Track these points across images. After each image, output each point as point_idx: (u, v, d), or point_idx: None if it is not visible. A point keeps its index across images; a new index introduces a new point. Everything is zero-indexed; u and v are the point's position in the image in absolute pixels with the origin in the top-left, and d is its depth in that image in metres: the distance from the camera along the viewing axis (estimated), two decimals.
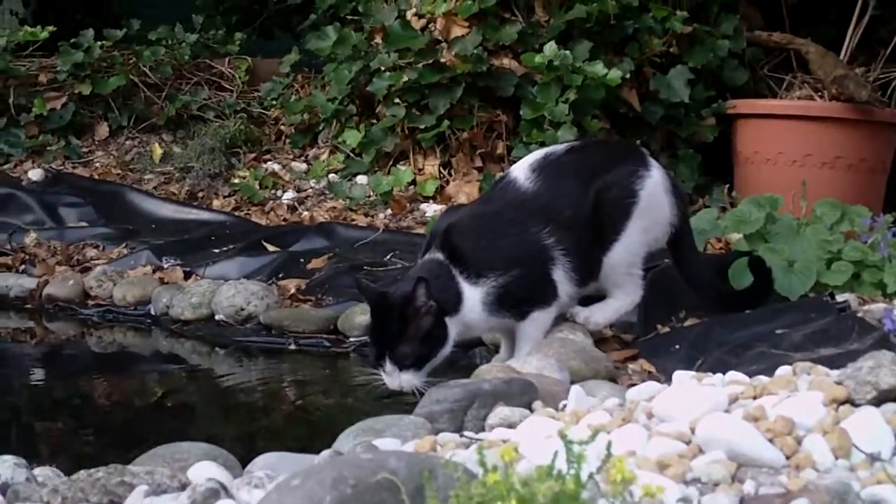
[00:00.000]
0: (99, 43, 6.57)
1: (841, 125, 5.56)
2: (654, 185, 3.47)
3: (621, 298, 3.52)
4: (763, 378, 2.34)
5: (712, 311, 3.75)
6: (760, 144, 5.69)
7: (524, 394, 2.61)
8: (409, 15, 5.88)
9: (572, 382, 2.92)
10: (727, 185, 5.62)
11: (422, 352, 3.11)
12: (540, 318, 3.35)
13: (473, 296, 3.21)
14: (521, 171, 3.41)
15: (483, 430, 2.45)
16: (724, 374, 2.57)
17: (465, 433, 2.34)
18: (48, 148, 6.34)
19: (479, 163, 5.67)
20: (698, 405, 2.08)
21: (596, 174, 3.42)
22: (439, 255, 3.24)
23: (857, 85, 5.48)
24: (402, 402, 3.07)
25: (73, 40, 6.58)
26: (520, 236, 3.29)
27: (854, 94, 5.45)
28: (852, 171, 5.53)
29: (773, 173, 5.57)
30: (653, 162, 3.55)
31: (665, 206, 3.51)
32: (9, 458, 2.15)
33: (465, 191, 5.54)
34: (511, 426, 2.38)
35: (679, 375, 2.60)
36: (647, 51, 5.80)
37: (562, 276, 3.33)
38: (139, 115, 6.57)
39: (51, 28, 6.63)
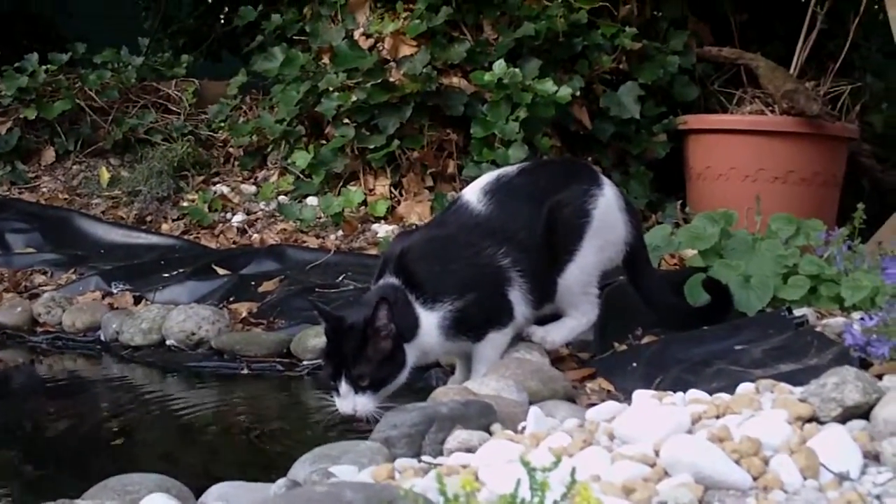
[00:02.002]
0: (44, 67, 6.47)
1: (792, 139, 5.56)
2: (607, 203, 3.45)
3: (577, 318, 3.50)
4: (725, 396, 2.31)
5: (669, 329, 3.72)
6: (712, 160, 5.68)
7: (482, 416, 2.56)
8: (356, 35, 5.84)
9: (531, 403, 2.89)
10: (680, 202, 5.62)
11: (379, 374, 3.04)
12: (496, 340, 3.31)
13: (430, 321, 3.16)
14: (473, 193, 3.38)
15: (441, 454, 2.40)
16: (684, 392, 2.55)
17: (424, 458, 2.29)
18: None
19: (430, 182, 5.63)
20: (661, 426, 2.05)
21: (548, 195, 3.39)
22: (394, 280, 3.19)
23: (808, 99, 5.48)
24: (357, 430, 3.02)
25: (17, 64, 6.49)
26: (474, 259, 3.25)
27: (805, 108, 5.45)
28: (805, 184, 5.53)
29: (726, 188, 5.56)
30: (605, 180, 3.53)
31: (619, 224, 3.50)
32: None
33: (416, 210, 5.50)
34: (470, 450, 2.33)
35: (639, 395, 2.58)
36: (597, 68, 5.79)
37: (518, 298, 3.30)
38: (86, 140, 6.48)
39: None
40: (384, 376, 3.05)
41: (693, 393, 2.49)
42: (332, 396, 3.06)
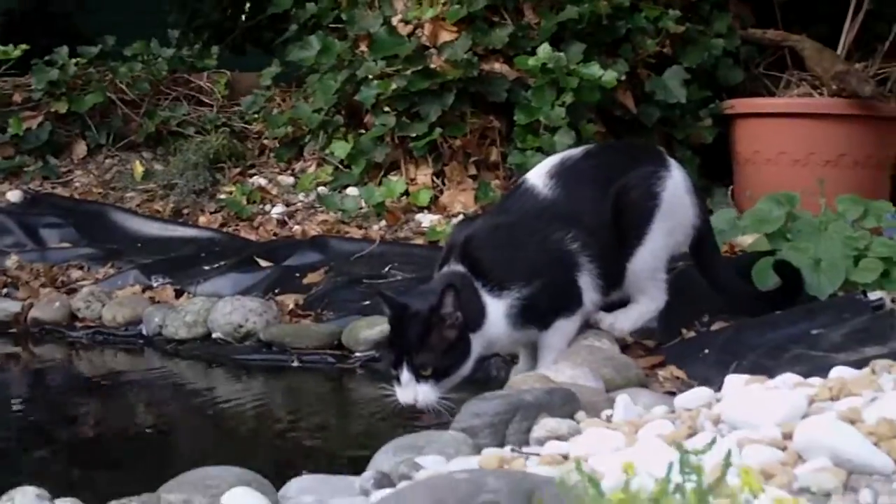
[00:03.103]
0: (74, 60, 6.38)
1: (844, 122, 5.40)
2: (676, 185, 3.34)
3: (645, 304, 3.38)
4: (837, 378, 2.16)
5: (738, 314, 3.60)
6: (761, 144, 5.53)
7: (566, 404, 2.44)
8: (394, 21, 5.70)
9: (606, 391, 2.78)
10: (730, 187, 5.48)
11: (442, 364, 2.92)
12: (564, 327, 3.19)
13: (497, 309, 3.05)
14: (538, 177, 3.27)
15: (527, 443, 2.28)
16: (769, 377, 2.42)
17: (522, 448, 2.16)
18: (25, 168, 6.13)
19: (473, 171, 5.48)
20: (776, 409, 1.91)
21: (615, 177, 3.28)
22: (460, 268, 3.07)
23: (860, 80, 5.33)
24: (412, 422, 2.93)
25: (46, 58, 6.39)
26: (542, 244, 3.14)
27: (857, 90, 5.29)
28: (858, 168, 5.37)
29: (775, 173, 5.40)
30: (672, 162, 3.42)
31: (687, 207, 3.39)
32: (29, 490, 1.96)
33: (460, 200, 5.36)
34: (559, 439, 2.21)
35: (732, 379, 2.44)
36: (641, 52, 5.63)
37: (587, 283, 3.18)
38: (117, 133, 6.37)
39: (24, 46, 6.43)
40: (448, 366, 2.93)
41: (789, 377, 2.36)
42: (391, 386, 2.94)
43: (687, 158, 5.59)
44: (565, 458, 2.00)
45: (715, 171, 5.78)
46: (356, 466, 2.20)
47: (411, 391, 2.89)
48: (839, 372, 2.34)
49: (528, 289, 3.06)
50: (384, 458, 2.16)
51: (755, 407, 1.96)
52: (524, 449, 2.18)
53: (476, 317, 3.00)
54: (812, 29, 6.09)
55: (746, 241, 4.35)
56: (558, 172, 3.25)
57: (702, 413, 2.13)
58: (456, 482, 1.51)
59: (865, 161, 5.42)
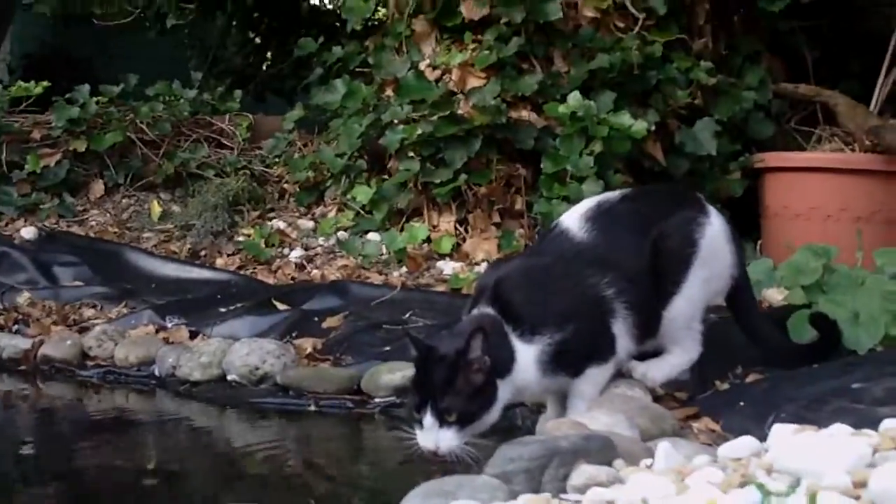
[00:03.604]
0: (95, 99, 6.31)
1: (878, 178, 5.28)
2: (715, 233, 3.23)
3: (679, 355, 3.26)
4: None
5: (774, 367, 3.47)
6: (791, 199, 5.41)
7: (604, 451, 2.30)
8: (422, 66, 5.62)
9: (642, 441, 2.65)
10: (759, 241, 5.36)
11: (468, 409, 2.77)
12: (596, 376, 3.06)
13: (527, 355, 2.91)
14: (573, 220, 3.15)
15: (564, 490, 2.14)
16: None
17: (563, 496, 2.03)
18: (41, 206, 6.03)
19: (497, 219, 5.37)
20: (841, 457, 1.78)
21: (653, 222, 3.17)
22: (489, 311, 2.94)
23: (895, 135, 5.22)
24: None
25: (67, 96, 6.32)
26: (576, 289, 3.02)
27: (892, 145, 5.18)
28: (891, 225, 5.24)
29: (805, 228, 5.27)
30: (711, 209, 3.31)
31: (726, 255, 3.28)
32: None
33: (483, 248, 5.24)
34: (600, 485, 2.07)
35: (780, 429, 2.31)
36: (671, 102, 5.54)
37: (622, 331, 3.05)
38: (136, 173, 6.29)
39: (45, 84, 6.37)
40: (473, 412, 2.78)
41: (840, 427, 2.23)
42: (412, 430, 2.80)
43: None
44: None
45: (743, 225, 5.63)
46: None
47: (433, 436, 2.74)
48: (890, 423, 2.21)
49: (561, 334, 2.92)
50: (413, 502, 2.03)
51: (815, 455, 1.83)
52: (563, 496, 2.05)
53: (505, 362, 2.86)
54: (843, 85, 6.02)
55: (777, 296, 4.24)
56: (595, 216, 3.14)
57: (752, 462, 2.00)
58: None
59: None
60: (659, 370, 3.23)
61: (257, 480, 3.13)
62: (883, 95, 5.68)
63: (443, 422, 2.74)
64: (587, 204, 3.21)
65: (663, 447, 2.30)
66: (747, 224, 5.63)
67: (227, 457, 3.37)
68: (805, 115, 5.96)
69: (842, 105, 5.62)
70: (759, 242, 5.35)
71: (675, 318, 3.16)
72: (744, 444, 2.27)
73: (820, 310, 3.61)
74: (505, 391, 2.86)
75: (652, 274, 3.11)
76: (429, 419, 2.73)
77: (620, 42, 5.48)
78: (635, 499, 1.84)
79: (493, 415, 2.85)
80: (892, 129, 5.28)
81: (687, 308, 3.16)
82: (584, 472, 2.13)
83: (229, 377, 3.98)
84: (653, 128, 5.27)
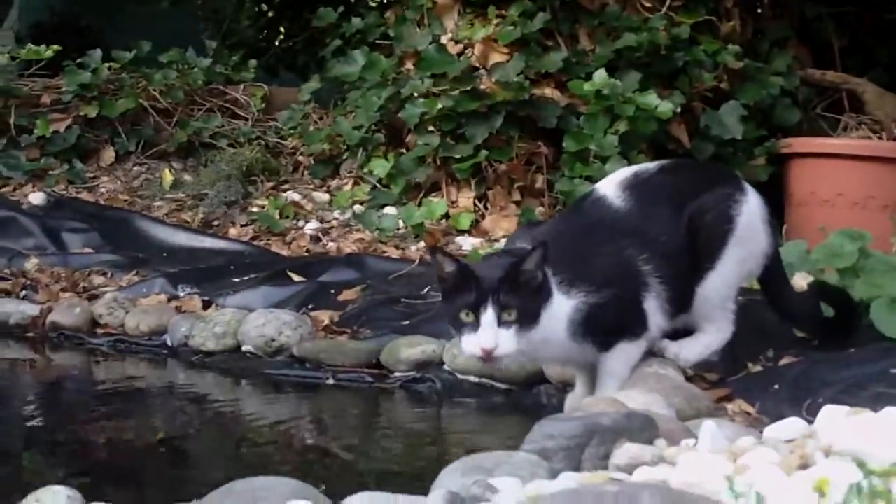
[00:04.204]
0: (107, 64, 6.20)
1: None
2: (751, 211, 3.14)
3: (712, 334, 3.16)
4: None
5: (809, 348, 3.37)
6: (817, 185, 5.32)
7: (645, 430, 2.22)
8: (444, 40, 5.51)
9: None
10: (784, 227, 5.25)
11: (527, 308, 2.68)
12: (628, 352, 2.96)
13: (562, 306, 2.80)
14: (610, 188, 3.05)
15: (605, 468, 2.05)
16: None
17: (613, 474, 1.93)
18: (50, 171, 5.90)
19: (516, 196, 5.26)
20: None
21: (690, 197, 3.07)
22: None
23: None
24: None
25: (79, 60, 6.21)
26: (614, 257, 2.92)
27: None
28: None
29: (831, 215, 5.17)
30: (748, 187, 3.21)
31: (761, 234, 3.18)
32: (60, 490, 1.73)
33: (502, 226, 5.14)
34: (644, 465, 1.98)
35: (830, 410, 2.21)
36: (698, 85, 5.44)
37: (654, 307, 2.96)
38: (147, 141, 6.16)
39: (56, 47, 6.26)
40: (531, 313, 2.69)
41: (891, 410, 2.13)
42: (459, 333, 2.70)
43: None
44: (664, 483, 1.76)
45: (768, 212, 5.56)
46: (406, 488, 1.96)
47: (492, 335, 2.64)
48: None
49: (597, 297, 2.83)
50: (451, 479, 1.93)
51: (878, 438, 1.74)
52: (614, 474, 1.95)
53: (542, 300, 2.76)
54: (870, 75, 5.94)
55: (801, 283, 4.14)
56: (632, 185, 3.03)
57: (809, 444, 1.90)
58: (607, 494, 1.27)
59: None
60: (692, 350, 3.13)
61: (271, 455, 3.02)
62: None
63: (500, 321, 2.64)
64: (624, 172, 3.12)
65: (708, 427, 2.19)
66: (773, 210, 5.53)
67: (241, 429, 3.26)
68: (831, 103, 5.88)
69: (870, 93, 5.56)
70: (785, 228, 5.24)
71: (710, 295, 3.07)
72: (792, 425, 2.20)
73: (855, 294, 3.52)
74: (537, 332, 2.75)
75: (687, 249, 3.02)
76: (489, 315, 2.64)
77: (647, 22, 5.40)
78: (691, 479, 1.73)
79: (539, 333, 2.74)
80: None
81: (721, 285, 3.07)
82: (627, 450, 2.05)
83: (244, 348, 3.87)
84: (678, 109, 5.17)
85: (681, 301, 3.02)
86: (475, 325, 2.65)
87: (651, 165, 3.18)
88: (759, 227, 3.17)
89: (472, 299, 2.64)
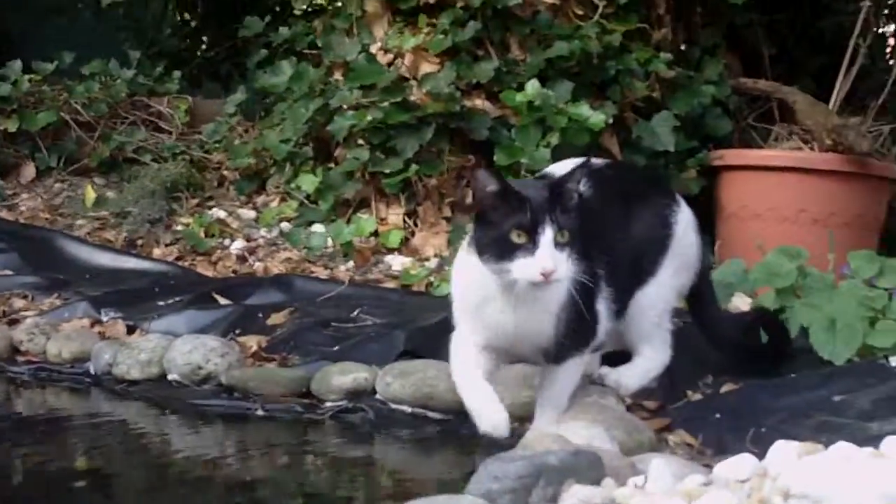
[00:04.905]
0: (27, 76, 6.05)
1: (837, 178, 5.15)
2: (686, 221, 3.12)
3: (651, 358, 3.11)
4: None
5: (742, 375, 3.33)
6: (749, 198, 5.28)
7: (592, 469, 2.16)
8: (373, 49, 5.42)
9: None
10: (717, 243, 5.21)
11: (575, 232, 2.52)
12: (575, 369, 2.84)
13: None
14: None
15: None
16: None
17: None
18: None
19: (447, 212, 5.19)
20: (870, 484, 1.62)
21: (634, 198, 3.00)
22: None
23: (858, 135, 5.10)
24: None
25: None
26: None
27: (854, 145, 5.07)
28: (847, 228, 5.10)
29: (762, 229, 5.13)
30: (680, 197, 3.18)
31: (694, 247, 3.16)
32: None
33: (432, 243, 5.07)
34: None
35: (781, 447, 2.15)
36: (629, 94, 5.38)
37: (604, 310, 2.83)
38: (69, 156, 6.05)
39: None
40: (577, 236, 2.53)
41: (845, 446, 2.07)
42: (504, 260, 2.50)
43: None
44: None
45: (699, 226, 5.50)
46: None
47: (551, 257, 2.46)
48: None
49: (584, 277, 2.62)
50: None
51: (840, 480, 1.67)
52: None
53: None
54: (799, 83, 5.93)
55: (740, 304, 4.11)
56: (588, 175, 2.84)
57: (766, 485, 1.83)
58: None
59: (854, 221, 5.18)
60: (632, 376, 3.07)
61: (195, 489, 2.90)
62: (842, 94, 5.57)
63: (556, 242, 2.48)
64: (574, 161, 2.89)
65: (656, 465, 2.13)
66: (703, 224, 5.48)
67: (166, 463, 3.13)
68: (762, 112, 5.84)
69: (801, 102, 5.52)
70: (718, 244, 5.20)
71: (646, 305, 3.01)
72: (743, 462, 2.12)
73: (793, 316, 3.48)
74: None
75: (632, 251, 2.95)
76: (547, 235, 2.45)
77: (579, 30, 5.33)
78: None
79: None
80: (854, 128, 5.16)
81: (658, 296, 3.02)
82: (576, 492, 2.00)
83: (170, 376, 3.73)
84: (610, 120, 5.11)
85: (621, 305, 2.92)
86: (530, 247, 2.46)
87: (597, 160, 3.05)
88: (692, 239, 3.14)
89: (526, 219, 2.46)
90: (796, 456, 2.07)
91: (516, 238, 2.46)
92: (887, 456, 1.91)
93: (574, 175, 2.54)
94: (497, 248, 2.50)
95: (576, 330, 2.70)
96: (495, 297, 2.61)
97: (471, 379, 2.73)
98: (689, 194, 5.36)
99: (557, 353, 2.74)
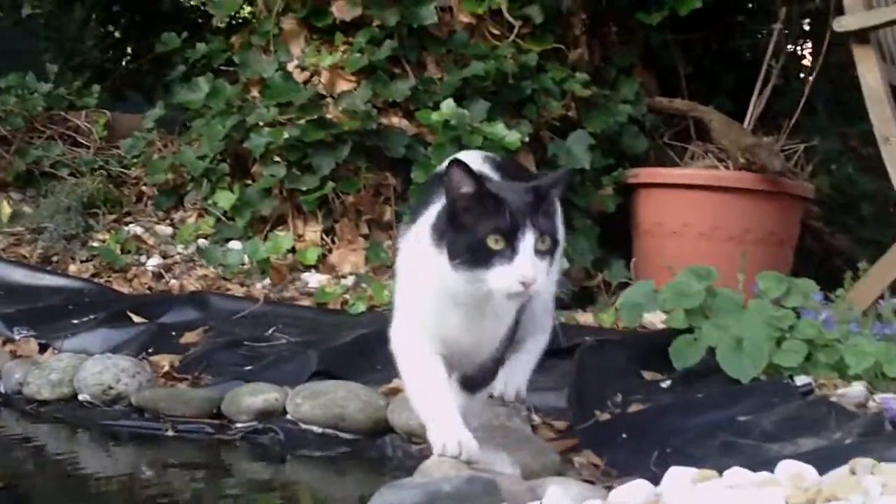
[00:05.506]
0: None
1: (751, 196, 5.21)
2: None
3: (528, 349, 2.98)
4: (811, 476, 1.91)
5: (658, 393, 3.37)
6: (664, 216, 5.33)
7: (487, 495, 2.17)
8: (290, 67, 5.42)
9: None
10: (633, 260, 5.26)
11: (557, 238, 2.37)
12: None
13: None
14: (482, 166, 2.67)
15: None
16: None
17: None
18: None
19: (364, 230, 5.19)
20: None
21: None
22: None
23: (771, 154, 5.17)
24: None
25: None
26: None
27: (767, 164, 5.13)
28: (761, 245, 5.17)
29: (678, 247, 5.20)
30: None
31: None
32: None
33: (350, 260, 5.07)
34: None
35: (675, 473, 2.18)
36: (545, 113, 5.41)
37: None
38: None
39: None
40: (558, 243, 2.39)
41: (740, 472, 2.11)
42: (477, 270, 2.30)
43: (587, 228, 5.38)
44: None
45: (614, 242, 5.56)
46: None
47: (532, 265, 2.27)
48: (789, 467, 2.10)
49: None
50: None
51: None
52: None
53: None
54: (715, 102, 5.99)
55: (657, 320, 4.16)
56: (496, 168, 2.74)
57: None
58: None
59: (767, 237, 5.24)
60: (516, 375, 2.98)
61: None
62: (756, 113, 5.64)
63: (539, 249, 2.31)
64: (478, 153, 2.91)
65: (553, 492, 2.15)
66: (619, 241, 5.54)
67: (74, 484, 3.11)
68: (678, 131, 5.89)
69: (716, 121, 5.57)
70: (633, 262, 5.25)
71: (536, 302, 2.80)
72: (638, 488, 2.15)
73: (702, 337, 3.53)
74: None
75: None
76: (527, 241, 2.28)
77: (495, 50, 5.36)
78: None
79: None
80: (767, 147, 5.24)
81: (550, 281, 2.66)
82: None
83: (81, 397, 3.71)
84: (526, 139, 5.13)
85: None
86: (509, 254, 2.28)
87: (490, 154, 2.97)
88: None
89: (505, 223, 2.28)
90: (690, 482, 2.10)
91: (493, 244, 2.29)
92: (778, 482, 1.94)
93: (558, 180, 2.41)
94: (471, 255, 2.31)
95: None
96: (459, 306, 2.45)
97: (434, 389, 2.52)
98: (605, 211, 5.45)
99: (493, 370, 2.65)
